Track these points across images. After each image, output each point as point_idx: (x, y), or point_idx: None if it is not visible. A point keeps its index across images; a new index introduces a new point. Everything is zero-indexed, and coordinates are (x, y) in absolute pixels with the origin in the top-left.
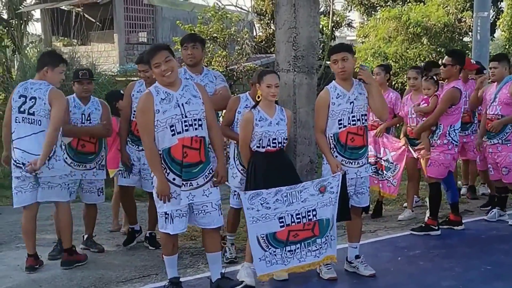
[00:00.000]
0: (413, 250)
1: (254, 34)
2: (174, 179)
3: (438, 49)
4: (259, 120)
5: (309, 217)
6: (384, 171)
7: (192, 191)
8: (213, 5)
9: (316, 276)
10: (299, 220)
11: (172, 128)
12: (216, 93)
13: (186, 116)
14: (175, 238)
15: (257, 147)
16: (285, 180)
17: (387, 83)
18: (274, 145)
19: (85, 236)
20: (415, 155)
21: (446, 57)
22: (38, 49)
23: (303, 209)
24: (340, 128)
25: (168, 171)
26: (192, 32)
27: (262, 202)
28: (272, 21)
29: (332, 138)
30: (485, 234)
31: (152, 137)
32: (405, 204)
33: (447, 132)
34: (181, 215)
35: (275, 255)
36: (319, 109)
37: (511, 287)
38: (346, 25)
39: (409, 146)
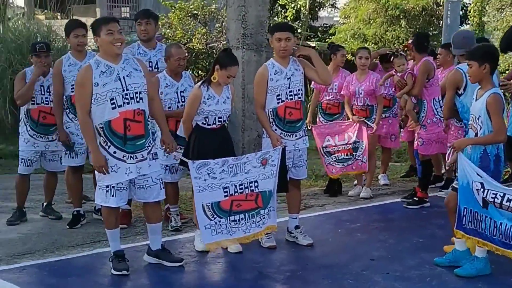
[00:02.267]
0: (354, 223)
1: None
2: (115, 152)
3: (416, 32)
4: (207, 98)
5: (251, 188)
6: (354, 153)
7: (138, 164)
8: None
9: (256, 245)
10: (241, 190)
11: (112, 102)
12: None
13: (127, 89)
14: (117, 211)
15: (203, 123)
16: (224, 155)
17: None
18: (219, 123)
19: (44, 204)
20: (374, 126)
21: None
22: (21, 22)
23: (246, 180)
24: (278, 102)
25: (109, 144)
26: (173, 7)
27: (209, 172)
28: None
29: (271, 112)
30: (426, 210)
31: (86, 110)
32: (355, 182)
33: (433, 107)
34: (122, 188)
35: (220, 224)
36: (258, 85)
37: (435, 256)
38: (330, 6)
39: (366, 122)
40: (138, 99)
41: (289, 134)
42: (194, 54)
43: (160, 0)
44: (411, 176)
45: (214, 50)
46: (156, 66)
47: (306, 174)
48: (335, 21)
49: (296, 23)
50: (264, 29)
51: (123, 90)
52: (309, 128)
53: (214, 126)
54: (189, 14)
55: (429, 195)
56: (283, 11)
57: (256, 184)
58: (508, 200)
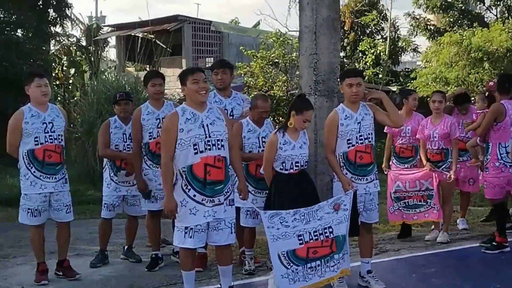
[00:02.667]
0: (430, 268)
1: None
2: (194, 195)
3: (500, 73)
4: (283, 144)
5: (326, 234)
6: (428, 200)
7: (215, 207)
8: (275, 32)
9: None
10: (316, 237)
11: (195, 147)
12: (243, 115)
13: (209, 136)
14: (194, 253)
15: (280, 169)
16: (306, 201)
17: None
18: (297, 168)
19: (125, 247)
20: (452, 175)
21: None
22: (114, 74)
23: (320, 226)
24: (349, 147)
25: (189, 187)
26: (254, 57)
27: (281, 221)
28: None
29: (342, 156)
30: (505, 255)
31: (170, 155)
32: (433, 226)
33: (497, 152)
34: (200, 230)
35: (297, 272)
36: (328, 130)
37: None
38: (412, 50)
39: (438, 169)
40: (219, 146)
41: (360, 177)
42: (275, 101)
43: (243, 50)
44: (492, 220)
45: (295, 97)
46: (231, 114)
47: (377, 218)
48: (418, 65)
49: (377, 68)
50: (335, 76)
51: (206, 137)
52: (386, 173)
53: (291, 171)
54: (271, 63)
55: (509, 239)
56: (363, 57)
57: (330, 229)
58: None
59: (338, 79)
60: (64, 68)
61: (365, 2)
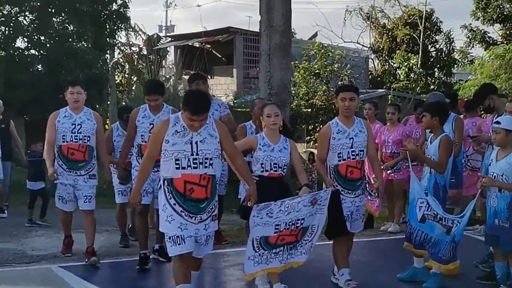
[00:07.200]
0: (362, 251)
1: (370, 69)
2: (174, 204)
3: None
4: (262, 145)
5: (297, 225)
6: (374, 193)
7: (196, 225)
8: (317, 43)
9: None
10: (289, 227)
11: (177, 162)
12: (222, 119)
13: (197, 154)
14: (188, 263)
15: (261, 171)
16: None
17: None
18: (275, 169)
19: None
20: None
21: None
22: (172, 81)
23: (295, 217)
24: (339, 160)
25: (170, 195)
26: (297, 67)
27: (267, 212)
28: (389, 57)
29: (333, 169)
30: None
31: (151, 158)
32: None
33: None
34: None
35: (262, 256)
36: (320, 142)
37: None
38: (468, 62)
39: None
40: (207, 165)
41: (349, 191)
42: (314, 110)
43: None
44: None
45: (333, 106)
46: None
47: (361, 227)
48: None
49: (409, 80)
50: (287, 89)
51: (192, 154)
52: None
53: (272, 172)
54: (312, 74)
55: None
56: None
57: (302, 221)
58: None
59: (289, 92)
60: (126, 75)
61: (418, 16)
